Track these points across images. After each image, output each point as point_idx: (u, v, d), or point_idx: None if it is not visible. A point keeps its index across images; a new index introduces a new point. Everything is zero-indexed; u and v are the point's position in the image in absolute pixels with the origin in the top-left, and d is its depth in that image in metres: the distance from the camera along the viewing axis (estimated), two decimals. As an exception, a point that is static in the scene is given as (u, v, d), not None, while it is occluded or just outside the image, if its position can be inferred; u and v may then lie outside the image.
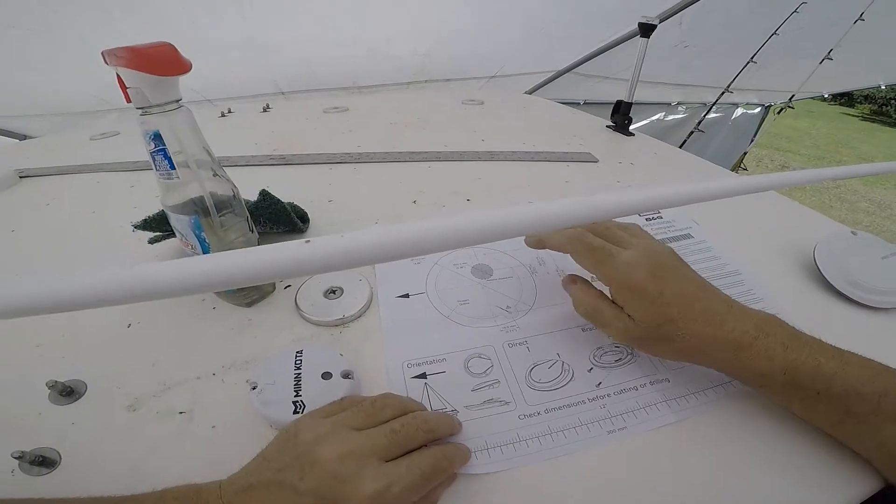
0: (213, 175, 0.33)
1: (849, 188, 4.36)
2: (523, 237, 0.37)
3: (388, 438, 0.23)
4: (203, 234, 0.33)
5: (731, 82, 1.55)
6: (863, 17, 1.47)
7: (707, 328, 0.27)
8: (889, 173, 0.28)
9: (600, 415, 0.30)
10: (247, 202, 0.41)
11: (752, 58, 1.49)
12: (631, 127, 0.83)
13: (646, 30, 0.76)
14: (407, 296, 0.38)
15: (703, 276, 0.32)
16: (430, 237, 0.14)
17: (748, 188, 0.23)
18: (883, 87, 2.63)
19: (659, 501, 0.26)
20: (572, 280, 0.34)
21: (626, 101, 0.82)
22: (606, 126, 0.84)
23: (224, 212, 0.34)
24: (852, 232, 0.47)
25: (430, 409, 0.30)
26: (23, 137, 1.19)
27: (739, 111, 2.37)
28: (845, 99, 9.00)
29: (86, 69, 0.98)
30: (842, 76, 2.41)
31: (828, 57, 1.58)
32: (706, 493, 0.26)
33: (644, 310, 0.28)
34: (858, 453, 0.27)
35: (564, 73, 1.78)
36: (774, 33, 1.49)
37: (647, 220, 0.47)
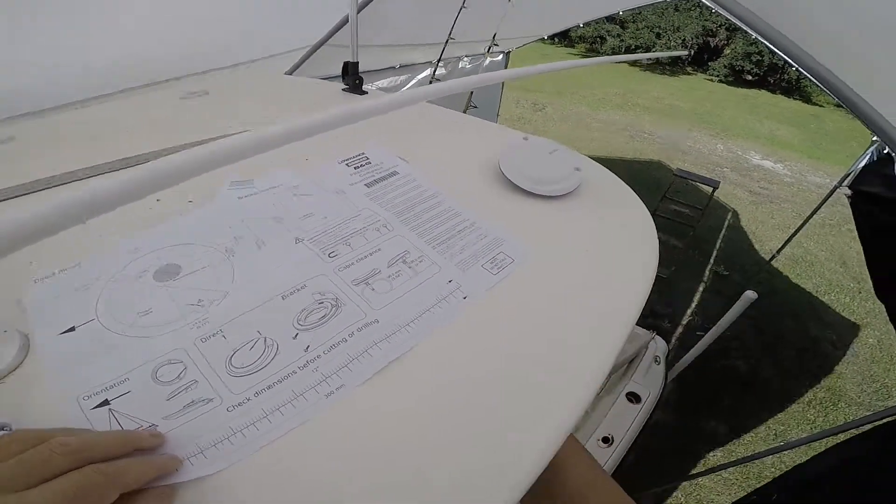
0: None
1: (584, 114, 5.54)
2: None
3: (12, 469, 0.21)
4: None
5: (451, 31, 1.68)
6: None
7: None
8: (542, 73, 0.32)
9: (314, 379, 0.30)
10: None
11: (463, 4, 1.61)
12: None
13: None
14: (73, 329, 0.31)
15: (408, 204, 0.44)
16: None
17: (394, 103, 0.23)
18: (581, 26, 3.28)
19: (382, 451, 0.27)
20: None
21: (351, 61, 0.83)
22: (342, 90, 0.83)
23: None
24: (524, 138, 0.55)
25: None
26: None
27: (488, 60, 2.66)
28: (567, 41, 11.19)
29: None
30: (554, 19, 2.90)
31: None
32: (423, 429, 0.28)
33: None
34: None
35: (319, 48, 1.72)
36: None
37: (354, 168, 0.48)
